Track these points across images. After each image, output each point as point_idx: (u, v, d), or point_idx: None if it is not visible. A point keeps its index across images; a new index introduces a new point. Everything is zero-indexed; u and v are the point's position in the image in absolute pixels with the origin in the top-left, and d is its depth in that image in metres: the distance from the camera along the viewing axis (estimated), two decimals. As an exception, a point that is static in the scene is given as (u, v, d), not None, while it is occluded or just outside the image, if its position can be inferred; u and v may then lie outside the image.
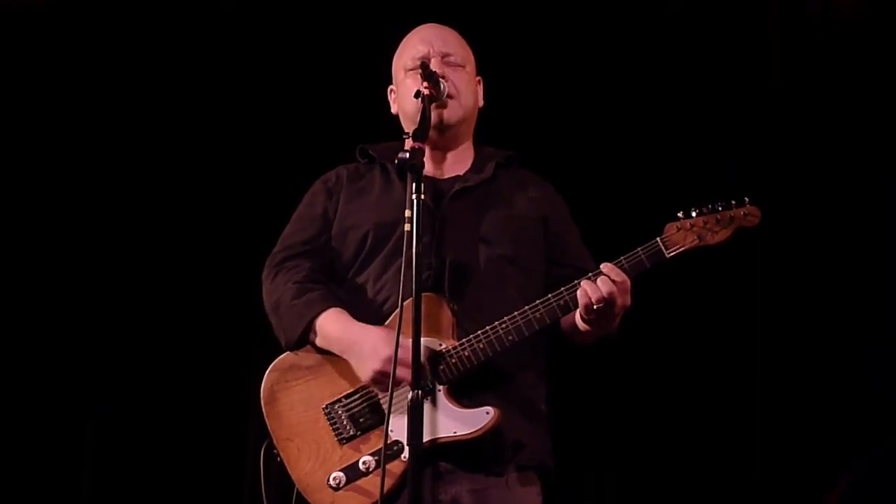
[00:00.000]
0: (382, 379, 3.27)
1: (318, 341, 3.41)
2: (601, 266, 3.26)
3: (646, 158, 5.11)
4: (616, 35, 5.29)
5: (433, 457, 3.27)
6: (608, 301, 3.22)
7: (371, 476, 3.29)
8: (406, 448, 3.19)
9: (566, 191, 3.69)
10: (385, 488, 3.14)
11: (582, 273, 3.32)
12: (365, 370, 3.32)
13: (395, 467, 3.26)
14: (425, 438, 3.12)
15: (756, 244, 4.89)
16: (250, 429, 4.91)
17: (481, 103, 3.68)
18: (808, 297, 5.01)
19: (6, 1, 5.42)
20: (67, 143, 5.46)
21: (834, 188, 5.08)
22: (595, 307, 3.23)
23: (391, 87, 3.72)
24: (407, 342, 3.08)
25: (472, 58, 3.66)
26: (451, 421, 3.27)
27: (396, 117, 3.69)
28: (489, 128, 3.74)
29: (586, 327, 3.33)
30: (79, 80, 5.46)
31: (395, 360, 3.10)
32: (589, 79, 5.23)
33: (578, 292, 3.24)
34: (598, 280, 3.23)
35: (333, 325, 3.39)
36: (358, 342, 3.33)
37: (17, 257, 5.43)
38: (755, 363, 4.97)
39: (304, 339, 3.42)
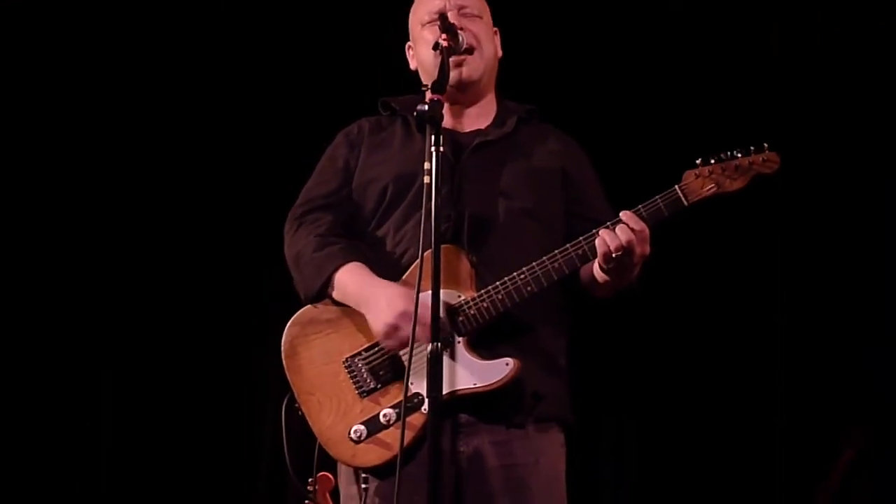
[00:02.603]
0: (392, 333, 3.26)
1: (336, 294, 3.41)
2: (620, 214, 3.23)
3: (665, 105, 5.13)
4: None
5: (453, 409, 3.26)
6: (627, 250, 3.19)
7: (392, 429, 3.28)
8: (426, 400, 3.17)
9: (583, 138, 3.67)
10: (405, 441, 3.14)
11: (602, 226, 3.28)
12: (376, 323, 3.31)
13: (416, 420, 3.25)
14: (444, 391, 3.09)
15: (755, 242, 4.92)
16: (268, 383, 4.99)
17: (500, 53, 3.65)
18: (807, 295, 5.02)
19: (6, 1, 5.46)
20: (73, 131, 5.53)
21: (833, 188, 5.08)
22: (614, 256, 3.20)
23: (409, 43, 3.70)
24: (425, 297, 3.06)
25: (487, 9, 3.63)
26: (471, 373, 3.26)
27: (416, 74, 3.67)
28: (505, 81, 3.72)
29: (605, 278, 3.31)
30: (79, 79, 5.52)
31: (416, 313, 3.08)
32: (608, 28, 5.29)
33: (597, 241, 3.22)
34: (617, 228, 3.20)
35: (352, 279, 3.38)
36: (374, 296, 3.32)
37: (18, 258, 5.52)
38: (777, 313, 4.99)
39: (323, 292, 3.42)
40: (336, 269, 3.40)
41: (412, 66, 3.69)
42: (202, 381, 5.53)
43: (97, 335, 5.62)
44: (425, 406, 3.22)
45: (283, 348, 3.41)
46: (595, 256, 3.26)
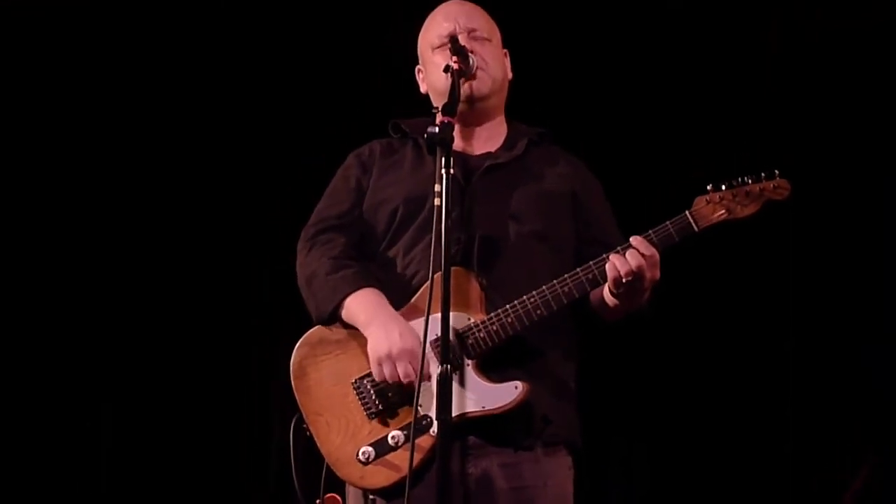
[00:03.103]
0: (386, 362, 3.27)
1: (345, 316, 3.40)
2: (630, 239, 3.24)
3: (676, 131, 5.12)
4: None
5: (462, 431, 3.26)
6: (637, 275, 3.20)
7: (400, 450, 3.28)
8: (435, 422, 3.18)
9: (594, 163, 3.67)
10: (414, 463, 3.16)
11: (612, 250, 3.28)
12: (377, 348, 3.29)
13: (424, 442, 3.25)
14: (454, 413, 3.10)
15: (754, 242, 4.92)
16: (274, 403, 4.99)
17: (510, 75, 3.64)
18: (815, 315, 5.04)
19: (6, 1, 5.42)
20: (77, 135, 5.51)
21: (833, 187, 5.08)
22: (624, 280, 3.21)
23: (418, 67, 3.69)
24: (435, 321, 3.06)
25: (497, 31, 3.62)
26: (480, 395, 3.26)
27: (427, 97, 3.66)
28: (514, 103, 3.71)
29: (615, 302, 3.32)
30: (80, 81, 5.50)
31: (426, 335, 3.11)
32: (606, 28, 5.26)
33: (607, 266, 3.22)
34: (627, 253, 3.21)
35: (364, 304, 3.37)
36: (384, 324, 3.31)
37: (19, 259, 5.51)
38: (785, 337, 5.00)
39: (335, 315, 3.41)
40: (349, 293, 3.40)
41: (422, 89, 3.68)
42: (205, 388, 5.51)
43: (98, 338, 5.60)
44: (434, 428, 3.23)
45: (291, 369, 3.41)
46: (605, 281, 3.27)
